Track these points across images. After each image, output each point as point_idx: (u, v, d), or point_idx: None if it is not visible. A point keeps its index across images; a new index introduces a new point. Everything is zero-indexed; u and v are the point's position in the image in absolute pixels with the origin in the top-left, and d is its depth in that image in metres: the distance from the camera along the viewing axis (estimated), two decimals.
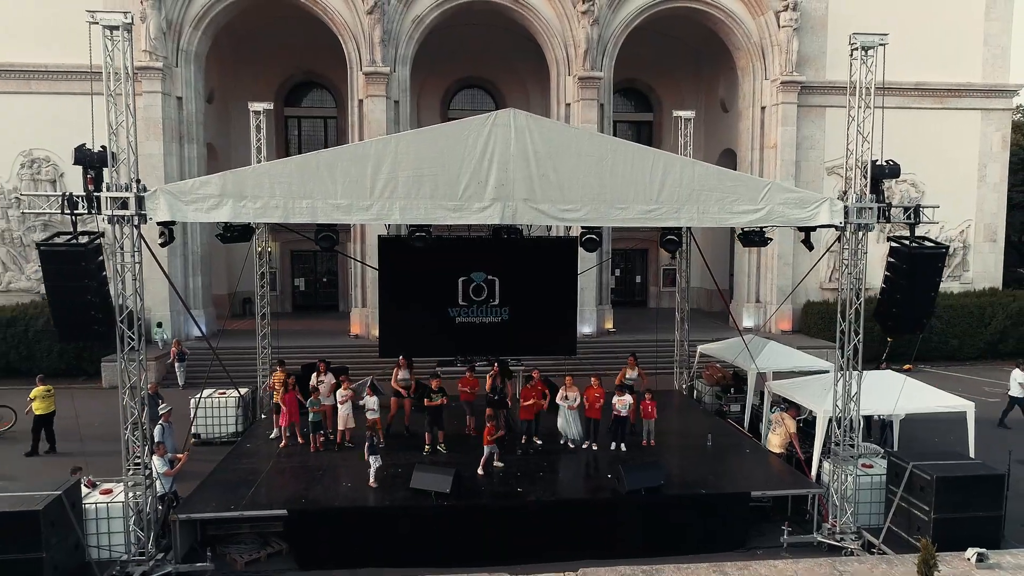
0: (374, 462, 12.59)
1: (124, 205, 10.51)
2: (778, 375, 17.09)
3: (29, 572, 9.60)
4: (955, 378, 25.50)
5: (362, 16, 25.98)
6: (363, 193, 10.77)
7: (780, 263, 28.53)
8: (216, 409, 17.13)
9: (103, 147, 10.62)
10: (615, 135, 29.50)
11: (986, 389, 23.75)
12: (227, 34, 28.27)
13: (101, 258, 10.52)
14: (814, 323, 27.85)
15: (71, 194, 10.52)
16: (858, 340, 12.22)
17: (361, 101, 26.50)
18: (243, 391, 17.53)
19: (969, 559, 10.20)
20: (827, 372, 15.32)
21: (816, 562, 10.59)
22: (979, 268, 30.03)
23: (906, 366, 25.97)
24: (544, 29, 27.47)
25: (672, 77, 35.01)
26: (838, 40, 27.94)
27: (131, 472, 10.94)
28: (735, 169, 29.33)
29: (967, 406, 13.71)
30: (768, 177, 27.72)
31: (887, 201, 12.24)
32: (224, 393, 17.42)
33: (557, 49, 27.49)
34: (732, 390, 18.49)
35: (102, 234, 10.59)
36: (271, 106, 18.83)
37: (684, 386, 20.03)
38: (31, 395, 16.90)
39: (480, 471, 12.89)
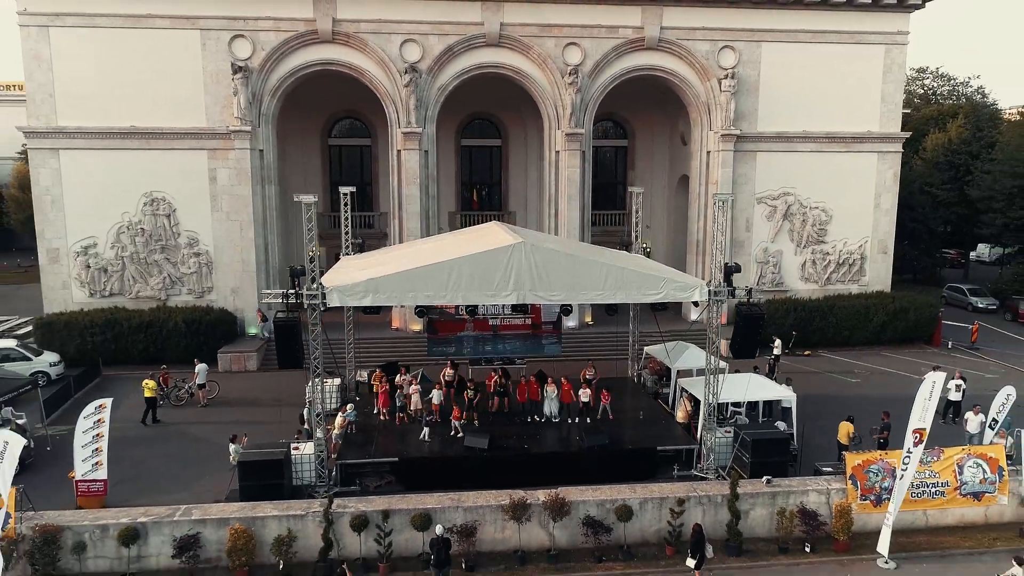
0: (427, 428, 21.66)
1: (313, 298, 19.17)
2: (686, 372, 25.85)
3: (276, 489, 18.64)
4: (841, 361, 34.71)
5: (400, 87, 34.11)
6: (443, 288, 19.51)
7: (713, 265, 37.23)
8: (326, 391, 25.95)
9: (302, 266, 19.24)
10: (597, 159, 38.37)
11: (855, 371, 32.96)
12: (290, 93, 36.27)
13: (298, 324, 19.22)
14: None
15: (295, 291, 19.05)
16: (716, 358, 21.08)
17: (399, 151, 34.86)
18: (337, 381, 26.20)
19: (763, 481, 19.38)
20: (724, 372, 24.18)
21: (686, 484, 19.75)
22: (873, 274, 38.90)
23: (806, 352, 35.44)
24: (539, 92, 35.69)
25: (643, 112, 43.03)
26: (767, 100, 36.56)
27: (315, 436, 19.92)
28: (688, 197, 38.16)
29: (791, 397, 22.78)
30: (707, 206, 36.17)
31: (731, 286, 20.81)
32: (328, 380, 26.23)
33: (549, 108, 35.76)
34: (665, 379, 27.45)
35: (298, 315, 19.22)
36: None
37: (634, 375, 29.01)
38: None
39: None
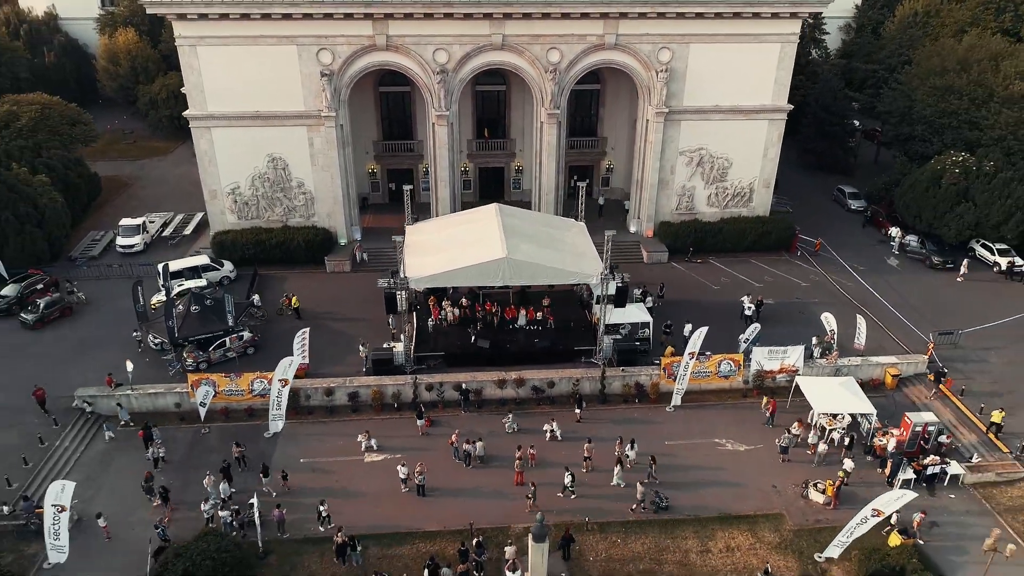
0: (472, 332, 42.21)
1: (403, 283, 38.59)
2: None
3: (388, 368, 39.65)
4: (719, 269, 53.82)
5: (434, 82, 49.85)
6: (467, 278, 38.81)
7: (649, 200, 55.04)
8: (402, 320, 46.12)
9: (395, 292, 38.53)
10: (577, 99, 55.83)
11: (723, 279, 52.25)
12: None
13: (394, 293, 38.88)
14: (663, 232, 55.34)
15: (391, 279, 38.46)
16: (606, 300, 40.67)
17: (433, 124, 51.41)
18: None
19: (620, 369, 40.09)
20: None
21: (583, 368, 40.45)
22: (758, 201, 56.35)
23: (699, 259, 54.39)
24: (530, 81, 51.30)
25: (612, 71, 57.57)
26: (691, 84, 51.93)
27: (402, 340, 40.52)
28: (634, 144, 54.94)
29: (648, 320, 42.64)
30: (646, 156, 53.05)
31: (622, 278, 39.69)
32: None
33: (536, 92, 51.55)
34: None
35: (402, 286, 38.82)
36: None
37: (578, 291, 48.33)
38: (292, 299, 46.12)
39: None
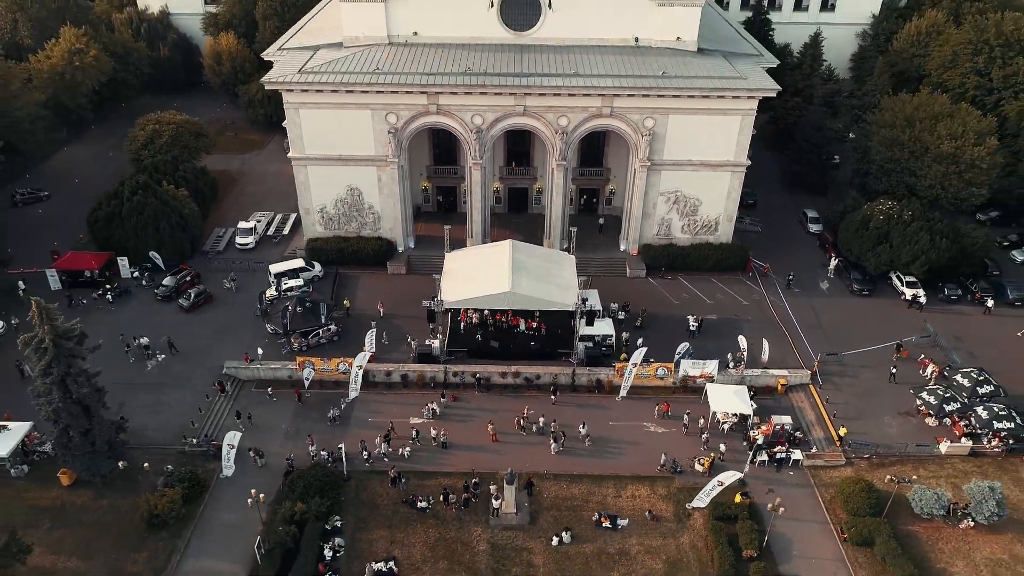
0: (486, 335, 60.48)
1: (440, 305, 56.77)
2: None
3: (429, 359, 58.45)
4: (683, 285, 70.08)
5: (472, 138, 66.44)
6: (484, 304, 56.72)
7: (635, 227, 71.23)
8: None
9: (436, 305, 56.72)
10: (585, 138, 71.13)
11: (684, 295, 68.69)
12: None
13: (434, 312, 57.22)
14: (645, 252, 71.74)
15: (431, 301, 56.70)
16: (580, 319, 58.12)
17: (470, 168, 68.25)
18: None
19: (587, 369, 57.94)
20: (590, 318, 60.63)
21: (561, 366, 58.33)
22: (722, 232, 71.84)
23: (669, 276, 71.26)
24: (544, 138, 67.41)
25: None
26: (670, 144, 67.19)
27: (438, 339, 59.04)
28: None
29: (612, 333, 59.93)
30: (634, 195, 69.04)
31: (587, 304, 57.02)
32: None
33: (549, 146, 67.68)
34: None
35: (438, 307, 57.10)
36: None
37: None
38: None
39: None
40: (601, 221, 76.46)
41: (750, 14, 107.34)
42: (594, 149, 75.97)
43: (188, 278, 67.79)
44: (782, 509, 45.26)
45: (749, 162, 68.73)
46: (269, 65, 70.22)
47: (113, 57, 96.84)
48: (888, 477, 48.89)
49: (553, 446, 52.48)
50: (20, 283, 65.91)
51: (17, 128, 79.85)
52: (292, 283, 66.33)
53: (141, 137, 77.92)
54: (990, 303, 66.60)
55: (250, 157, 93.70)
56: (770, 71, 70.20)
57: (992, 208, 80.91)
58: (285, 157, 73.93)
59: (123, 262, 68.39)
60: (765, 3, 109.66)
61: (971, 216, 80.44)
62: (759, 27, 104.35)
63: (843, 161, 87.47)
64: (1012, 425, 51.82)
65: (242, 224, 74.93)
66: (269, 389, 56.74)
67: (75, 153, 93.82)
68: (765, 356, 59.16)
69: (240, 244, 73.76)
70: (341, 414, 54.82)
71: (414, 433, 53.04)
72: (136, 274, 68.25)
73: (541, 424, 53.93)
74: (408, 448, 51.86)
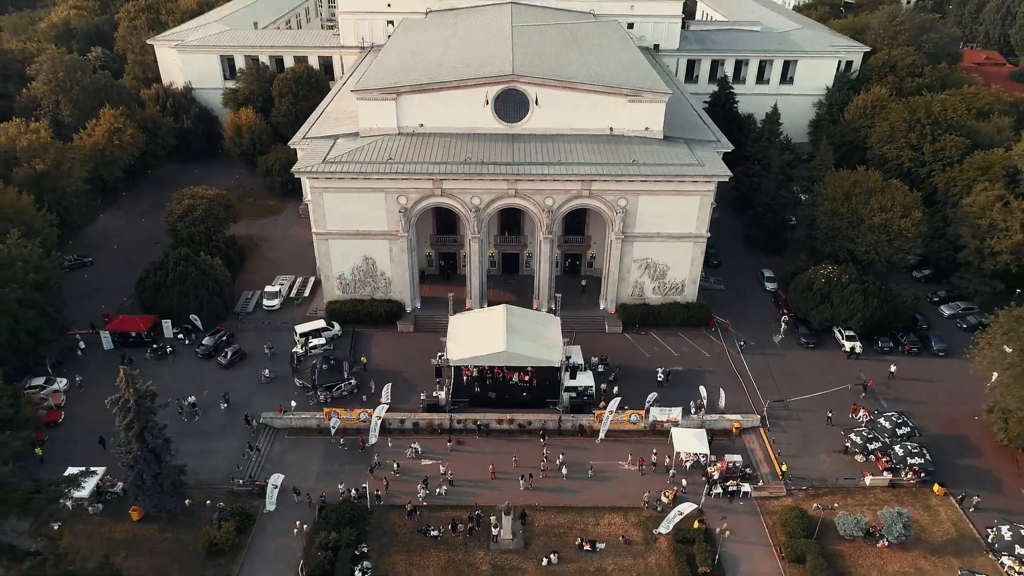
0: (484, 387, 70.87)
1: (447, 362, 67.17)
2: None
3: (435, 409, 68.69)
4: (654, 340, 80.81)
5: (471, 216, 77.52)
6: (482, 361, 67.35)
7: (612, 289, 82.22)
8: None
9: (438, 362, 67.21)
10: (570, 212, 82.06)
11: (655, 348, 79.39)
12: None
13: (441, 368, 67.64)
14: (621, 311, 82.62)
15: (439, 357, 67.18)
16: (564, 372, 68.62)
17: (470, 241, 79.21)
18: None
19: (571, 416, 68.32)
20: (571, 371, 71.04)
21: (548, 413, 68.65)
22: (688, 292, 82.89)
23: (642, 332, 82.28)
24: (533, 215, 78.63)
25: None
26: (640, 219, 78.49)
27: (444, 390, 69.30)
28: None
29: (592, 385, 70.42)
30: (611, 262, 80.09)
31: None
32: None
33: (537, 222, 78.86)
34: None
35: (444, 364, 67.54)
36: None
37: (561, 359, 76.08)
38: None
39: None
40: (584, 282, 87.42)
41: (716, 88, 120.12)
42: (577, 220, 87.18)
43: (224, 338, 77.87)
44: (728, 532, 55.42)
45: (709, 234, 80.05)
46: (285, 137, 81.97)
47: (144, 131, 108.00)
48: (815, 505, 59.16)
49: (522, 483, 62.27)
50: (80, 343, 75.81)
51: (65, 202, 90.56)
52: (316, 341, 76.55)
53: (178, 210, 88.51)
54: (892, 368, 75.30)
55: (269, 222, 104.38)
56: (732, 140, 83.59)
57: (925, 267, 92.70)
58: (301, 221, 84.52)
59: (167, 324, 78.47)
60: (730, 78, 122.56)
61: (908, 274, 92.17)
62: (724, 100, 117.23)
63: (799, 222, 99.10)
64: (923, 460, 62.38)
65: (268, 288, 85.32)
66: (341, 439, 66.55)
67: (111, 220, 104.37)
68: (722, 403, 69.67)
69: (267, 306, 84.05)
70: (369, 459, 64.73)
71: (445, 474, 62.91)
72: (180, 335, 78.26)
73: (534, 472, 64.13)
74: (444, 487, 61.78)
